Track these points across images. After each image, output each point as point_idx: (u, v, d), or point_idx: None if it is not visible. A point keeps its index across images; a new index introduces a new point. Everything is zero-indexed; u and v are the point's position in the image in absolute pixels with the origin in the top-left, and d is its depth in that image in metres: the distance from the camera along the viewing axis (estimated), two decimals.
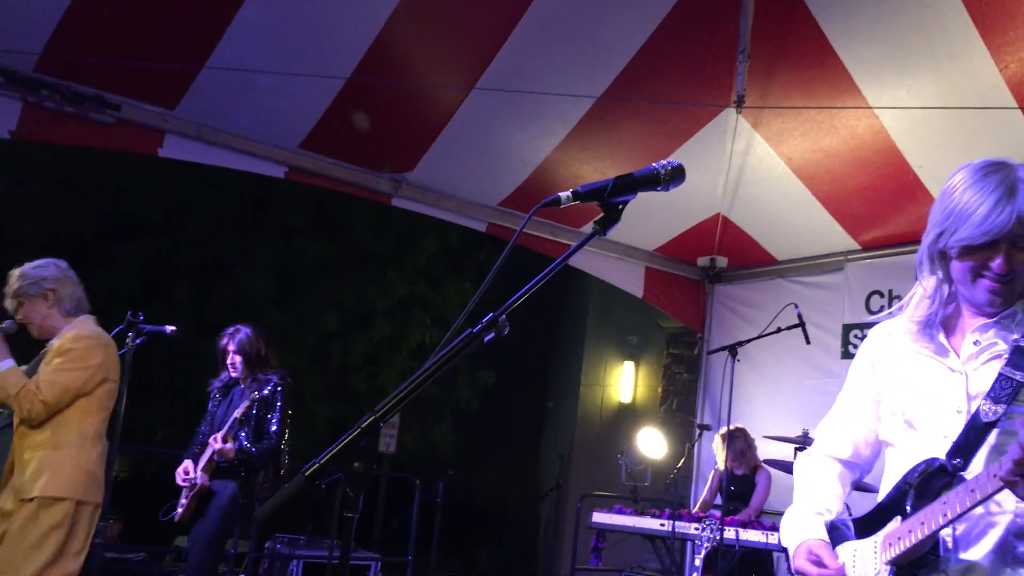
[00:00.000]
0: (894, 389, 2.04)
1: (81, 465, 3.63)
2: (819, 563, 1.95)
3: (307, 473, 1.59)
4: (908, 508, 1.85)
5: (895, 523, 1.89)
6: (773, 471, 6.13)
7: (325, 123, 5.50)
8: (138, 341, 4.52)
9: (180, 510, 5.04)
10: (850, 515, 2.12)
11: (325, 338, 11.58)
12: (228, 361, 5.19)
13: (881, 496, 2.00)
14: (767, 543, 5.35)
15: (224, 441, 4.90)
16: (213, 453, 4.93)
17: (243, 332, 5.22)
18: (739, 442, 6.31)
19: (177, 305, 10.60)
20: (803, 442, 5.72)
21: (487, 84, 5.27)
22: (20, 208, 11.30)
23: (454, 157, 5.93)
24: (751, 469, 6.38)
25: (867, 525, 1.98)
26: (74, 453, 3.64)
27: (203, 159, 5.62)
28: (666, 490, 7.43)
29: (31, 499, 3.53)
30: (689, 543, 6.24)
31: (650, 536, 6.03)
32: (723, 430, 6.30)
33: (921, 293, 2.02)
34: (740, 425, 6.39)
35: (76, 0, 4.45)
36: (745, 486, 6.29)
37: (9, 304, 3.86)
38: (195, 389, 5.49)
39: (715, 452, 6.55)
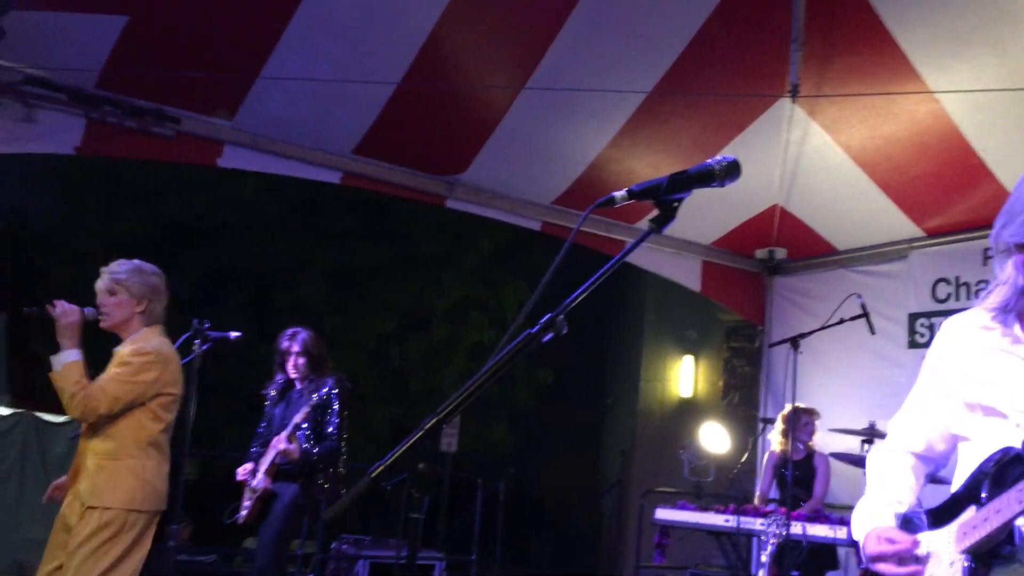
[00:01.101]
0: (968, 381, 2.00)
1: (136, 475, 3.65)
2: (891, 541, 1.94)
3: (373, 474, 1.61)
4: (983, 497, 1.82)
5: (970, 512, 1.85)
6: (838, 463, 6.02)
7: (378, 128, 5.56)
8: (204, 347, 4.62)
9: (244, 512, 5.14)
10: (922, 508, 2.09)
11: (383, 340, 11.68)
12: (291, 363, 5.25)
13: (955, 488, 1.97)
14: (835, 538, 5.26)
15: (288, 442, 4.97)
16: (276, 454, 5.01)
17: (304, 333, 5.30)
18: (802, 422, 6.21)
19: (235, 311, 10.78)
20: (869, 434, 5.61)
21: (537, 83, 5.27)
22: (81, 219, 11.62)
23: (506, 157, 5.95)
24: (808, 453, 6.28)
25: (941, 516, 1.96)
26: (130, 464, 3.66)
27: (260, 168, 5.73)
28: (730, 485, 7.36)
29: (92, 507, 3.58)
30: (755, 539, 6.18)
31: (715, 532, 5.98)
32: (786, 409, 6.21)
33: (997, 282, 1.99)
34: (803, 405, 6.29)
35: (133, 18, 4.57)
36: (804, 471, 6.19)
37: (101, 285, 3.82)
38: (255, 393, 5.59)
39: (773, 434, 6.46)
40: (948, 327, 2.12)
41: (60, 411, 9.19)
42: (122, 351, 3.80)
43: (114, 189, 11.13)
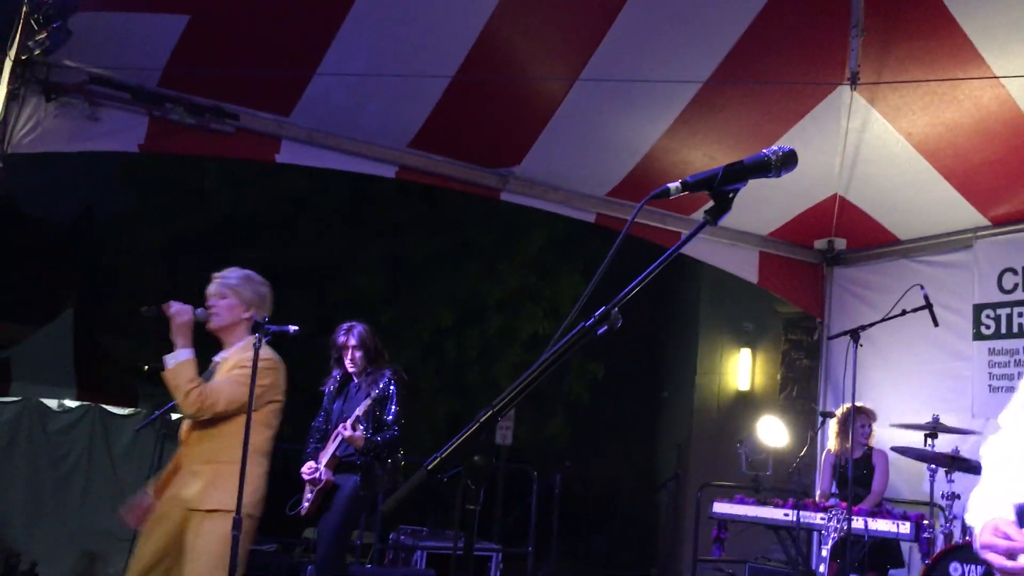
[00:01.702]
0: None
1: (249, 480, 3.66)
2: (1006, 537, 1.96)
3: (429, 467, 1.62)
4: None
5: None
6: (901, 458, 5.91)
7: (433, 121, 5.59)
8: (264, 341, 4.68)
9: (306, 504, 5.21)
10: None
11: (439, 333, 11.75)
12: (348, 357, 5.31)
13: None
14: (897, 532, 5.17)
15: (352, 429, 5.02)
16: (339, 443, 5.07)
17: (360, 327, 5.35)
18: (860, 422, 6.11)
19: (292, 305, 10.94)
20: (933, 429, 5.50)
21: (591, 74, 5.25)
22: (145, 217, 11.90)
23: (561, 149, 5.94)
24: (867, 450, 6.17)
25: None
26: (253, 469, 3.68)
27: (317, 163, 5.79)
28: (789, 479, 7.27)
29: (205, 511, 3.61)
30: (815, 533, 6.10)
31: (774, 526, 5.91)
32: (842, 409, 6.12)
33: None
34: (859, 404, 6.19)
35: (194, 17, 4.65)
36: (864, 469, 6.09)
37: (213, 288, 3.93)
38: (313, 386, 5.66)
39: (829, 433, 6.37)
40: None
41: (126, 403, 9.47)
42: (234, 356, 3.87)
43: (174, 186, 11.36)
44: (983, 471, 2.21)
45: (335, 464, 5.15)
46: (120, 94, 5.00)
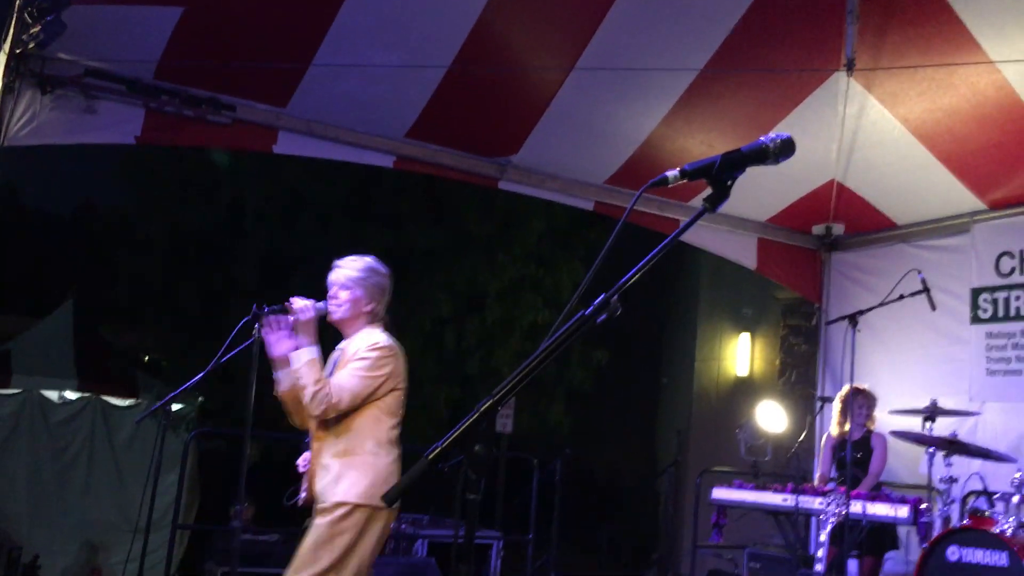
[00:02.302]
0: None
1: (377, 471, 3.59)
2: None
3: (430, 457, 1.64)
4: None
5: None
6: (899, 442, 5.93)
7: (430, 111, 5.59)
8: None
9: (304, 494, 5.23)
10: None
11: (439, 323, 11.75)
12: None
13: None
14: (895, 516, 5.19)
15: None
16: None
17: None
18: (861, 403, 6.12)
19: (296, 296, 10.95)
20: (931, 412, 5.52)
21: (587, 63, 5.25)
22: (145, 208, 11.89)
23: (558, 137, 5.94)
24: (866, 432, 6.19)
25: None
26: (370, 460, 3.60)
27: (315, 153, 5.80)
28: (787, 464, 7.29)
29: (331, 504, 3.55)
30: (813, 518, 6.13)
31: (773, 512, 5.94)
32: (843, 391, 6.14)
33: None
34: (860, 386, 6.20)
35: (188, 8, 4.65)
36: (862, 451, 6.11)
37: (336, 279, 3.80)
38: None
39: (832, 416, 6.38)
40: None
41: (126, 395, 9.48)
42: (351, 347, 3.73)
43: (175, 177, 11.35)
44: None
45: None
46: (116, 86, 4.99)
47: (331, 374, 3.68)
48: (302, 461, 5.22)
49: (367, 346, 3.66)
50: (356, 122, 5.70)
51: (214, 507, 9.07)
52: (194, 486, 9.15)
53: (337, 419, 3.61)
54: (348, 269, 3.81)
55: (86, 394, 8.99)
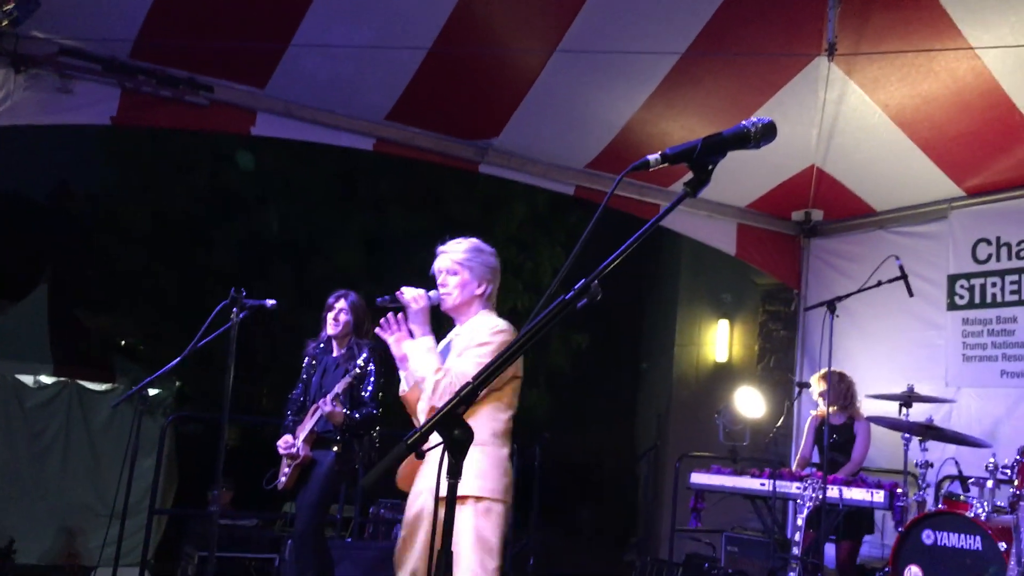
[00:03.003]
0: None
1: (501, 463, 3.37)
2: None
3: (409, 441, 1.63)
4: None
5: None
6: (876, 427, 5.98)
7: (410, 94, 5.55)
8: (241, 315, 4.66)
9: (283, 479, 5.22)
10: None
11: None
12: (333, 316, 5.25)
13: None
14: (872, 501, 5.24)
15: (333, 404, 5.00)
16: (319, 418, 5.07)
17: (354, 295, 5.33)
18: (840, 383, 6.15)
19: (274, 280, 10.89)
20: (908, 399, 5.56)
21: (569, 46, 5.23)
22: (123, 192, 11.78)
23: (539, 121, 5.92)
24: (850, 418, 6.23)
25: None
26: (493, 452, 3.37)
27: (294, 135, 5.75)
28: (766, 449, 7.34)
29: (464, 496, 3.23)
30: (791, 502, 6.18)
31: (750, 496, 5.98)
32: (823, 371, 6.15)
33: None
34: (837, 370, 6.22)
35: None
36: (844, 436, 6.16)
37: (442, 265, 3.59)
38: (295, 361, 5.64)
39: (813, 396, 6.40)
40: None
41: (103, 379, 9.41)
42: (467, 332, 3.50)
43: (154, 160, 11.26)
44: None
45: (313, 439, 5.15)
46: (91, 66, 4.92)
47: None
48: (283, 443, 5.21)
49: (489, 330, 3.43)
50: (335, 104, 5.65)
51: (192, 492, 9.04)
52: (172, 471, 9.11)
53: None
54: (452, 253, 3.59)
55: (62, 378, 8.92)
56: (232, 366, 4.65)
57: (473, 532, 3.21)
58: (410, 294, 3.46)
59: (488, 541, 3.22)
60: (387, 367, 5.40)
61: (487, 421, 3.40)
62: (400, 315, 3.50)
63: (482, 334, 3.42)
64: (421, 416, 3.49)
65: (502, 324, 3.48)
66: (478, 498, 3.24)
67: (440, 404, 3.22)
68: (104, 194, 12.58)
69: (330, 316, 5.28)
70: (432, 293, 3.52)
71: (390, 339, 3.52)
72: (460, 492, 3.11)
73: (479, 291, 3.56)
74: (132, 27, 4.79)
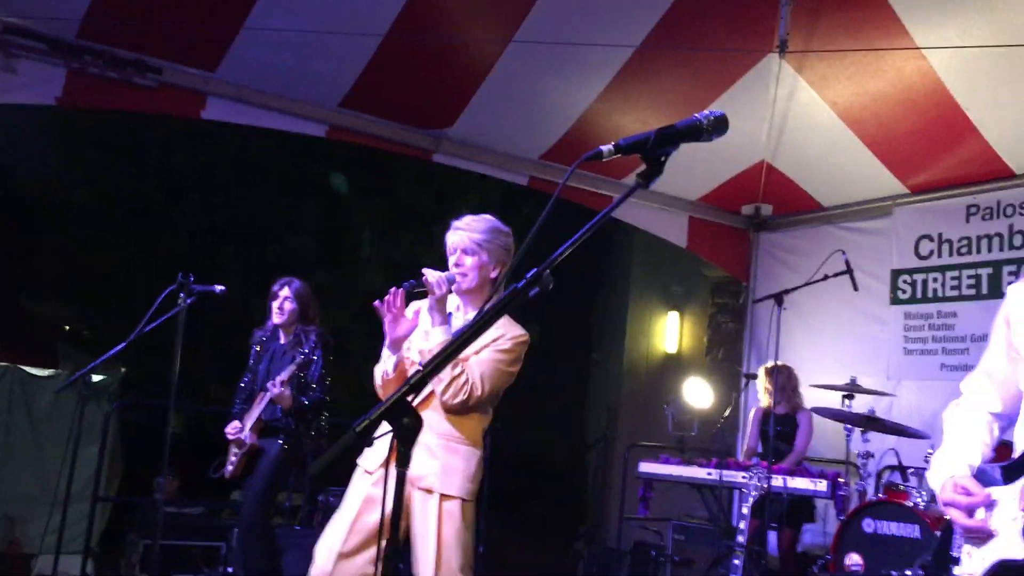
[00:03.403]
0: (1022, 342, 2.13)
1: (481, 467, 3.31)
2: (967, 492, 2.06)
3: (358, 429, 1.62)
4: None
5: None
6: (819, 419, 6.10)
7: (364, 81, 5.51)
8: (189, 301, 4.60)
9: (230, 467, 5.17)
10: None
11: (372, 295, 11.64)
12: (278, 305, 5.22)
13: (1020, 444, 2.10)
14: (815, 490, 5.35)
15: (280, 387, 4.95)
16: (268, 403, 5.03)
17: (298, 283, 5.29)
18: (783, 378, 6.26)
19: (224, 266, 10.75)
20: (851, 390, 5.68)
21: (525, 36, 5.23)
22: (67, 173, 11.51)
23: (494, 111, 5.91)
24: (792, 409, 6.35)
25: (1012, 473, 2.05)
26: (479, 455, 3.31)
27: (245, 120, 5.67)
28: (713, 439, 7.44)
29: (442, 495, 3.16)
30: (736, 491, 6.27)
31: (697, 485, 6.06)
32: (768, 364, 6.26)
33: None
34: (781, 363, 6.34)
35: None
36: (788, 426, 6.28)
37: (456, 241, 3.37)
38: (244, 348, 5.58)
39: (758, 389, 6.52)
40: (1012, 291, 2.22)
41: (46, 365, 9.20)
42: (492, 333, 3.22)
43: (103, 143, 11.02)
44: (944, 434, 2.32)
45: (260, 428, 5.11)
46: (36, 45, 4.81)
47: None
48: (231, 429, 5.16)
49: (516, 338, 3.26)
50: (288, 89, 5.59)
51: (138, 479, 8.90)
52: (117, 458, 8.96)
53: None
54: (470, 231, 3.36)
55: (3, 363, 8.71)
56: (179, 353, 4.59)
57: (459, 533, 3.14)
58: (434, 277, 3.22)
59: (469, 543, 3.16)
60: (334, 354, 5.39)
61: (479, 423, 3.32)
62: (400, 296, 3.30)
63: (506, 340, 3.24)
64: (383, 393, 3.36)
65: (524, 333, 3.32)
66: (464, 500, 3.17)
67: (453, 403, 3.14)
68: (47, 177, 12.29)
69: (275, 305, 5.24)
70: (450, 275, 3.29)
71: (389, 318, 3.33)
72: (452, 492, 3.15)
73: (493, 274, 3.35)
74: (79, 6, 4.68)
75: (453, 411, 3.20)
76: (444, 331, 3.19)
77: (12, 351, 8.81)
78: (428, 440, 3.18)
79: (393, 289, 3.34)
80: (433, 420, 3.20)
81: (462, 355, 2.97)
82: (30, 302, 11.08)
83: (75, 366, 8.23)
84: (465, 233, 3.36)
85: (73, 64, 4.93)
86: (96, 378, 8.41)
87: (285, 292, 5.23)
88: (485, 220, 3.42)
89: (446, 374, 3.09)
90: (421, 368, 1.69)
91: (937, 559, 2.21)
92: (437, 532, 3.11)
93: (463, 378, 3.13)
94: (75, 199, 11.30)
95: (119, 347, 4.86)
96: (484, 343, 3.21)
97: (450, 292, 3.28)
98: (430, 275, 3.22)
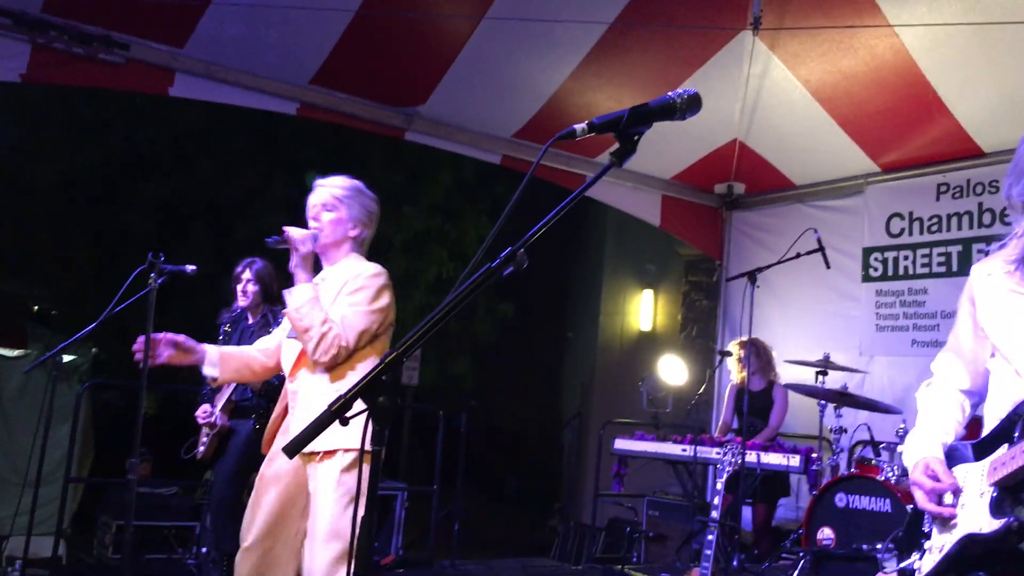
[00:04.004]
0: (991, 324, 2.15)
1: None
2: (935, 478, 2.09)
3: (333, 408, 1.61)
4: (1016, 436, 1.97)
5: (1002, 450, 1.99)
6: (793, 395, 6.16)
7: (335, 58, 5.45)
8: (159, 281, 4.54)
9: (202, 448, 5.15)
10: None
11: None
12: (241, 288, 5.19)
13: (989, 422, 2.12)
14: (788, 465, 5.40)
15: None
16: (237, 384, 4.99)
17: (260, 263, 5.24)
18: (755, 348, 6.29)
19: (194, 244, 10.65)
20: (824, 366, 5.73)
21: (498, 13, 5.19)
22: (32, 150, 11.32)
23: (466, 89, 5.87)
24: (768, 384, 6.40)
25: (981, 450, 2.09)
26: None
27: (213, 97, 5.59)
28: (687, 416, 7.50)
29: (323, 452, 3.08)
30: (711, 467, 6.33)
31: (672, 461, 6.11)
32: (741, 339, 6.29)
33: (1014, 235, 2.14)
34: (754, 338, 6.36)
35: None
36: (763, 401, 6.33)
37: (317, 199, 3.34)
38: (214, 327, 5.53)
39: (731, 367, 6.56)
40: (976, 271, 2.25)
41: (15, 345, 9.09)
42: (341, 275, 3.26)
43: (67, 119, 10.84)
44: (918, 414, 2.34)
45: (231, 408, 5.09)
46: (1, 20, 4.70)
47: None
48: (202, 412, 5.12)
49: (366, 274, 3.23)
50: (258, 66, 5.52)
51: (110, 461, 8.84)
52: (88, 439, 8.88)
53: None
54: (332, 188, 3.36)
55: None
56: (150, 333, 4.53)
57: (338, 484, 3.06)
58: (297, 234, 3.21)
59: (352, 491, 3.05)
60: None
61: (362, 371, 3.17)
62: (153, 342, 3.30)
63: (357, 279, 3.22)
64: (287, 368, 3.32)
65: (376, 267, 3.29)
66: (345, 450, 3.08)
67: (326, 359, 3.10)
68: (13, 153, 12.10)
69: (239, 288, 5.20)
70: (313, 232, 3.28)
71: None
72: (322, 447, 3.04)
73: (353, 233, 3.35)
74: None
75: (329, 367, 3.14)
76: (311, 288, 3.16)
77: None
78: (310, 406, 3.16)
79: (139, 338, 3.45)
80: (313, 386, 3.18)
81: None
82: None
83: (44, 347, 8.13)
84: (326, 189, 3.37)
85: (38, 39, 4.83)
86: (67, 358, 8.32)
87: (247, 274, 5.18)
88: (349, 180, 3.43)
89: (317, 330, 3.07)
90: (396, 348, 1.68)
91: (908, 533, 2.24)
92: (318, 492, 3.10)
93: (333, 331, 3.08)
94: (39, 176, 11.13)
95: (88, 328, 4.80)
96: (335, 292, 3.21)
97: (314, 250, 3.26)
98: (292, 232, 3.21)
